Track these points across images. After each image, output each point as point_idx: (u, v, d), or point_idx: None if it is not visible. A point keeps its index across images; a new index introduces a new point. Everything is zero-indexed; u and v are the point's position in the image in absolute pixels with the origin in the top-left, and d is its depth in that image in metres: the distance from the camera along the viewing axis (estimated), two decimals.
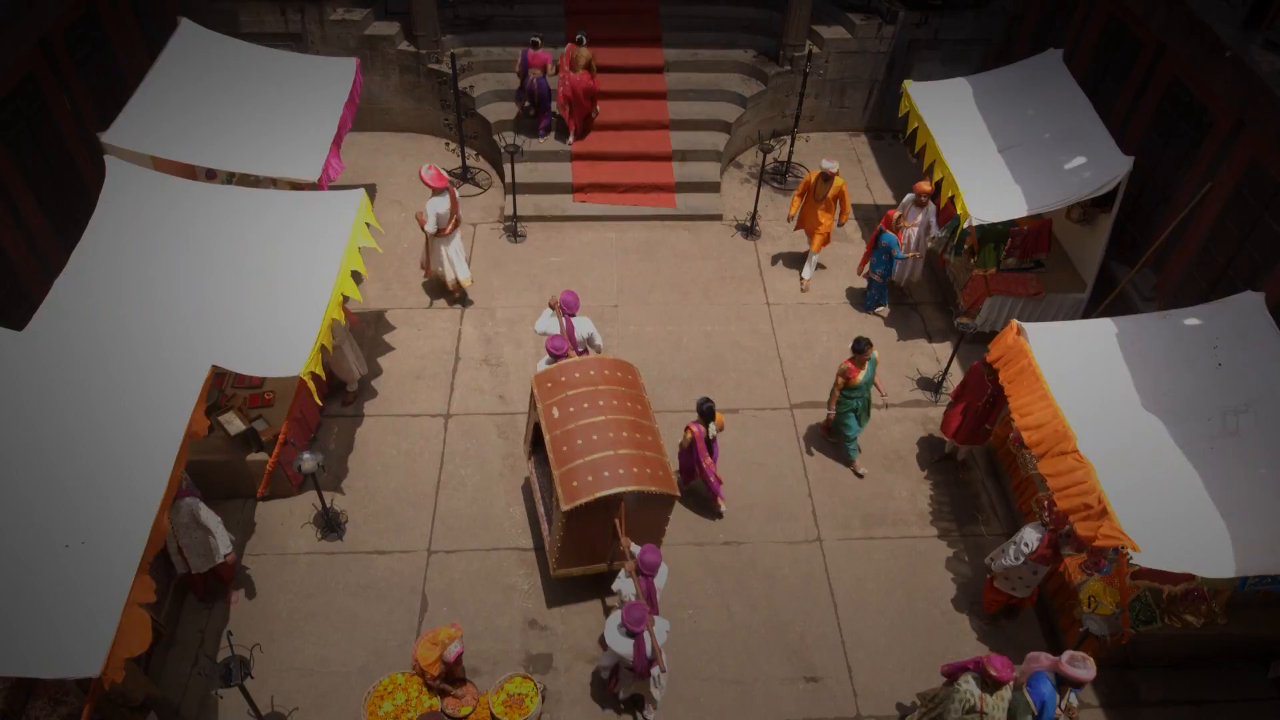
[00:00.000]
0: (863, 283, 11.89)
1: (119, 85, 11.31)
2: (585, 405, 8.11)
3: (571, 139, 13.19)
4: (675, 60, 13.93)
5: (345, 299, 8.79)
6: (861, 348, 9.17)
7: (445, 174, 10.67)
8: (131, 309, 8.13)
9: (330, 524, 9.05)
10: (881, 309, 11.76)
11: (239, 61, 10.86)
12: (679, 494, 8.05)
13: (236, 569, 8.66)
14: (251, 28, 13.00)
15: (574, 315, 9.39)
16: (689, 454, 9.07)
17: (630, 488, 7.62)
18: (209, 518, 7.83)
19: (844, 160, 14.41)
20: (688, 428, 8.91)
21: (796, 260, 12.50)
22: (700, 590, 8.82)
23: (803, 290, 12.01)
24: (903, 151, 14.17)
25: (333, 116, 10.59)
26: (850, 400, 9.42)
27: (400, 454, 9.85)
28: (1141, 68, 10.96)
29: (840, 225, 11.77)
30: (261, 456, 8.93)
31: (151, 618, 7.67)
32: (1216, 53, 9.35)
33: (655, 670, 7.41)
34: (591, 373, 8.38)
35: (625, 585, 7.64)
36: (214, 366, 7.64)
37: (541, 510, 8.76)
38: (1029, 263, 11.19)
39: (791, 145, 13.81)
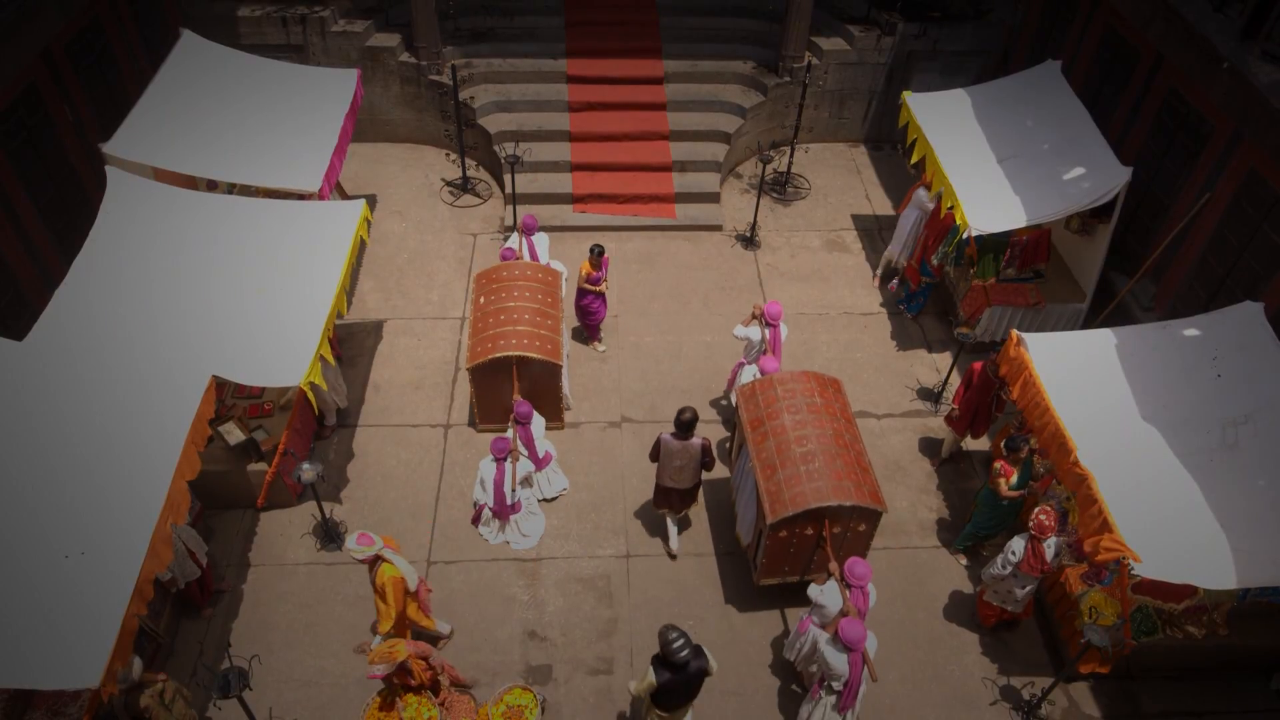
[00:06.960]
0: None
1: (120, 96, 11.36)
2: (504, 294, 9.89)
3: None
4: (675, 71, 13.99)
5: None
6: (1017, 446, 8.26)
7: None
8: (132, 319, 8.14)
9: (330, 534, 9.04)
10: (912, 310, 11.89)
11: (240, 73, 10.90)
12: (561, 363, 9.55)
13: (236, 579, 8.69)
14: (253, 39, 13.07)
15: (533, 235, 10.77)
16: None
17: (517, 353, 9.29)
18: (188, 536, 7.88)
19: (843, 171, 14.45)
20: (582, 265, 10.54)
21: (797, 269, 12.53)
22: (700, 600, 8.80)
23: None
24: (902, 163, 14.21)
25: (334, 127, 10.62)
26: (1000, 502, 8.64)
27: (400, 464, 9.85)
28: (1139, 78, 11.00)
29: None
30: (261, 467, 8.92)
31: (151, 628, 7.69)
32: (1214, 63, 9.38)
33: (515, 517, 8.95)
34: (517, 271, 10.15)
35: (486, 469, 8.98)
36: (214, 377, 7.66)
37: None
38: (1028, 273, 11.21)
39: (791, 156, 13.85)
